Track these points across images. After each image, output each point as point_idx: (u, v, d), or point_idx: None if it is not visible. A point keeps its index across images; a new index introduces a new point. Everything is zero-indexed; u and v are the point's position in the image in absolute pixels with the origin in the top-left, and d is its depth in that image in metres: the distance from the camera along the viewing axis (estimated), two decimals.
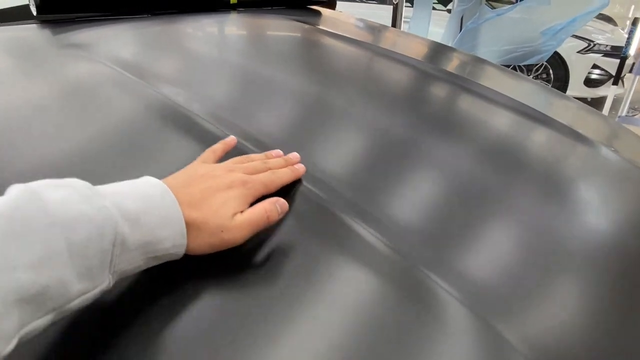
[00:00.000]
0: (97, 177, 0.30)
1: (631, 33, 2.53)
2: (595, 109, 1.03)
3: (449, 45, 3.19)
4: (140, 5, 1.01)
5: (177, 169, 0.37)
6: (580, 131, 0.72)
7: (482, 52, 2.97)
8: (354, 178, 0.47)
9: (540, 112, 0.75)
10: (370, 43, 1.08)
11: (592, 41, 4.05)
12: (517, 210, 0.48)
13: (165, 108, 0.54)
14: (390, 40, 1.28)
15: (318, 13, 1.42)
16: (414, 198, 0.47)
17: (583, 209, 0.53)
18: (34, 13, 0.87)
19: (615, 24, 5.43)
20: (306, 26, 1.15)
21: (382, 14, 3.92)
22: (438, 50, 1.26)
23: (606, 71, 4.00)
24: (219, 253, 0.33)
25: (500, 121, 0.75)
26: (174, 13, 1.06)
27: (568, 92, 4.11)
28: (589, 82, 4.09)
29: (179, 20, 1.00)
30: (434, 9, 3.52)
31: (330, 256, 0.36)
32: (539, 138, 0.72)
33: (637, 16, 2.58)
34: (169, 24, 0.97)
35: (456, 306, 0.33)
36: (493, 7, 3.59)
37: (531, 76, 4.31)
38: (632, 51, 3.08)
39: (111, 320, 0.30)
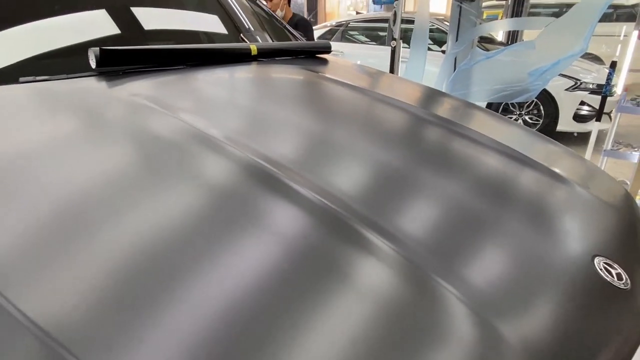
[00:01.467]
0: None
1: (610, 74, 2.75)
2: (571, 150, 1.19)
3: (444, 83, 3.43)
4: (179, 59, 1.20)
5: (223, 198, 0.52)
6: (554, 169, 0.88)
7: (475, 91, 3.19)
8: (369, 200, 0.62)
9: (519, 152, 0.92)
10: (368, 89, 1.27)
11: (579, 80, 4.31)
12: (504, 229, 0.63)
13: (206, 141, 0.71)
14: (386, 86, 1.47)
15: (325, 61, 1.62)
16: (419, 217, 0.62)
17: (556, 230, 0.68)
18: (93, 66, 1.05)
19: (602, 63, 5.75)
20: (315, 74, 1.34)
21: (382, 54, 4.21)
22: (431, 96, 1.45)
23: (594, 107, 4.23)
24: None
25: (485, 158, 0.92)
26: (206, 65, 1.25)
27: (558, 127, 4.33)
28: (578, 118, 4.31)
29: (211, 70, 1.19)
30: (429, 49, 3.77)
31: (350, 262, 0.50)
32: (518, 173, 0.88)
33: (615, 59, 2.81)
34: (204, 73, 1.16)
35: (460, 307, 0.46)
36: (486, 49, 3.86)
37: (523, 111, 4.55)
38: (619, 90, 3.28)
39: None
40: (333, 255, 0.50)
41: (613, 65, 2.75)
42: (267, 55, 1.43)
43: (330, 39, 5.80)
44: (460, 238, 0.59)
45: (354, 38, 5.77)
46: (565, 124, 4.30)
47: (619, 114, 2.96)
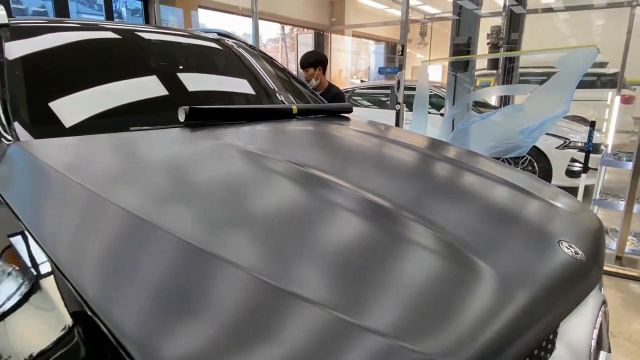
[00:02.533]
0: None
1: (590, 132, 3.13)
2: (546, 182, 1.51)
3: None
4: (242, 115, 1.55)
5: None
6: (529, 189, 1.19)
7: (471, 148, 3.56)
8: (412, 201, 0.93)
9: (509, 181, 1.24)
10: (391, 137, 1.61)
11: (568, 139, 4.73)
12: (502, 227, 0.93)
13: (279, 167, 1.02)
14: (398, 135, 1.82)
15: (348, 119, 1.99)
16: (450, 217, 0.92)
17: (538, 226, 0.97)
18: (182, 120, 1.39)
19: (592, 124, 6.23)
20: (343, 126, 1.69)
21: (384, 116, 4.70)
22: (437, 143, 1.80)
23: (581, 162, 4.60)
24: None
25: (486, 186, 1.23)
26: (260, 120, 1.60)
27: (552, 182, 4.68)
28: (570, 174, 4.66)
29: (268, 124, 1.54)
30: (429, 113, 4.23)
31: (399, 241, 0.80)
32: (512, 195, 1.19)
33: (593, 119, 3.21)
34: (262, 125, 1.50)
35: (484, 268, 0.75)
36: (480, 112, 4.32)
37: (518, 168, 4.92)
38: (609, 149, 3.65)
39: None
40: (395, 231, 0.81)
41: (592, 124, 3.15)
42: (303, 114, 1.79)
43: None
44: (476, 228, 0.89)
45: (359, 103, 6.34)
46: (559, 179, 4.64)
47: (604, 167, 3.31)
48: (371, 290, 0.67)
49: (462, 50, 4.25)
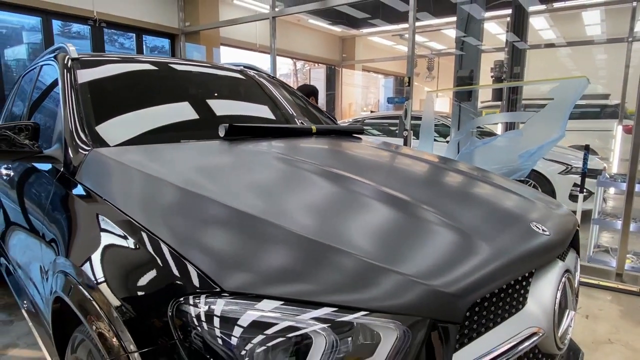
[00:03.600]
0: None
1: (585, 155, 3.36)
2: (539, 191, 1.75)
3: None
4: (269, 133, 1.83)
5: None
6: (516, 190, 1.43)
7: None
8: (424, 195, 1.18)
9: (504, 182, 1.48)
10: (393, 149, 1.88)
11: (570, 165, 4.93)
12: (491, 213, 1.17)
13: (321, 173, 1.28)
14: (404, 149, 2.08)
15: (360, 138, 2.27)
16: (456, 207, 1.16)
17: (517, 212, 1.21)
18: (221, 135, 1.67)
19: (594, 152, 6.45)
20: (357, 142, 1.96)
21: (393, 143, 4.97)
22: (437, 157, 2.06)
23: (587, 189, 4.79)
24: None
25: (478, 183, 1.48)
26: (283, 137, 1.87)
27: None
28: (573, 198, 4.84)
29: (292, 139, 1.81)
30: (436, 141, 4.50)
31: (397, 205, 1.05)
32: (492, 190, 1.43)
33: (588, 143, 3.44)
34: (287, 140, 1.78)
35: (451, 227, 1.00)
36: (481, 137, 4.58)
37: None
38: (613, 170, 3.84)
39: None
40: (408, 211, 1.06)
41: (587, 148, 3.38)
42: (321, 133, 2.07)
43: None
44: (469, 213, 1.13)
45: (369, 132, 6.65)
46: (562, 202, 4.83)
47: (601, 188, 3.51)
48: (381, 242, 0.91)
49: (465, 82, 4.57)
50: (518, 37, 6.16)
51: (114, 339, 0.86)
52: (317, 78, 10.15)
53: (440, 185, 1.43)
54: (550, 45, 9.03)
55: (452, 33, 7.57)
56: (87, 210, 1.21)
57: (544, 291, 1.03)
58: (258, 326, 0.74)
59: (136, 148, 1.48)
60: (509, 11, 6.41)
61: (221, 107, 2.09)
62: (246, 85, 2.48)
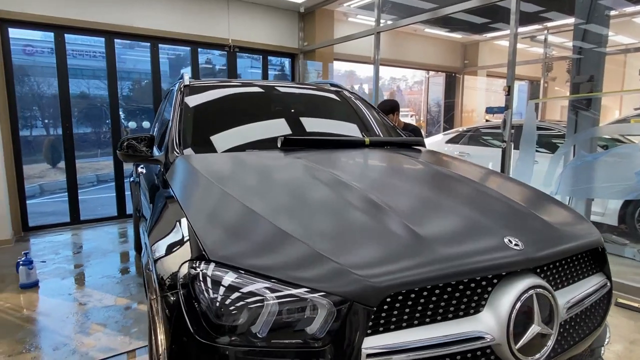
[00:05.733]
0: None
1: None
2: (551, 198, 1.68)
3: (551, 180, 3.73)
4: (323, 144, 2.11)
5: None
6: (513, 197, 1.45)
7: (582, 188, 3.41)
8: (399, 205, 1.35)
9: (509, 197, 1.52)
10: (431, 162, 1.97)
11: None
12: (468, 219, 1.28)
13: (320, 174, 1.53)
14: (445, 163, 2.13)
15: (418, 150, 2.37)
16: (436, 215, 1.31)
17: (493, 224, 1.28)
18: (279, 145, 2.02)
19: None
20: (396, 153, 2.10)
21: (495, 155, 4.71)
22: (479, 171, 2.08)
23: None
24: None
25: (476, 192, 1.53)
26: (338, 148, 2.13)
27: None
28: None
29: (342, 151, 2.07)
30: (537, 151, 4.14)
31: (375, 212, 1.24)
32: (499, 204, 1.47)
33: None
34: (337, 152, 2.04)
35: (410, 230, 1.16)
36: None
37: None
38: None
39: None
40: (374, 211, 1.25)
41: None
42: (374, 145, 2.26)
43: (458, 142, 6.51)
44: (441, 220, 1.26)
45: (481, 141, 6.33)
46: None
47: None
48: (338, 239, 1.14)
49: (583, 89, 4.07)
50: None
51: (152, 286, 1.25)
52: (436, 83, 9.95)
53: (431, 194, 1.55)
54: None
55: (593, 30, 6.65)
56: (163, 199, 1.67)
57: (502, 302, 1.09)
58: (228, 287, 1.03)
59: (205, 155, 1.93)
60: None
61: (292, 121, 2.46)
62: (322, 102, 2.81)
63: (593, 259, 1.43)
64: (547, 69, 9.54)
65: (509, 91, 3.95)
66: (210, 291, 1.03)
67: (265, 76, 6.63)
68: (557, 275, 1.27)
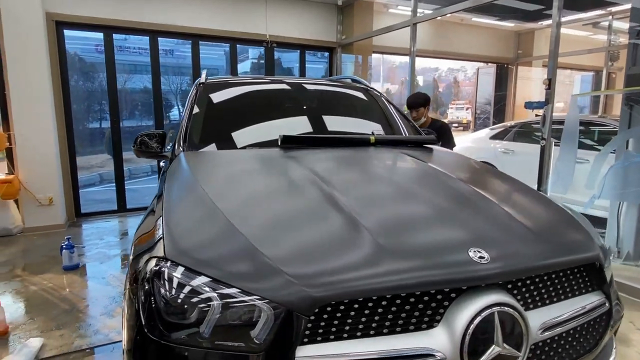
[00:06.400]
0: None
1: None
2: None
3: (595, 181, 3.40)
4: (321, 142, 2.09)
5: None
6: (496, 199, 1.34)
7: (629, 192, 3.07)
8: (357, 202, 1.31)
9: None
10: (427, 161, 1.88)
11: None
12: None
13: (297, 171, 1.52)
14: (453, 167, 2.01)
15: (428, 149, 2.26)
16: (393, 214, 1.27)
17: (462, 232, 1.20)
18: (279, 143, 2.01)
19: None
20: (404, 157, 2.01)
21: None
22: (472, 168, 1.95)
23: None
24: None
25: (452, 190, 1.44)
26: (339, 146, 2.09)
27: None
28: None
29: (340, 149, 2.03)
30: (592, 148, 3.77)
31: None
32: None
33: None
34: (333, 150, 2.00)
35: (366, 233, 1.12)
36: None
37: None
38: None
39: None
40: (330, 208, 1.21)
41: None
42: (380, 143, 2.18)
43: (502, 138, 6.13)
44: (407, 228, 1.20)
45: (529, 137, 5.91)
46: None
47: None
48: (292, 249, 1.12)
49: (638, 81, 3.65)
50: None
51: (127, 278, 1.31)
52: (487, 73, 9.42)
53: (407, 199, 1.47)
54: None
55: None
56: (155, 196, 1.74)
57: (457, 318, 1.02)
58: (178, 285, 1.05)
59: (203, 152, 1.97)
60: None
61: (301, 118, 2.44)
62: (337, 98, 2.77)
63: (589, 276, 1.29)
64: (611, 58, 8.68)
65: (549, 84, 3.65)
66: (162, 289, 1.06)
67: (302, 70, 6.64)
68: (535, 292, 1.16)
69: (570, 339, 1.21)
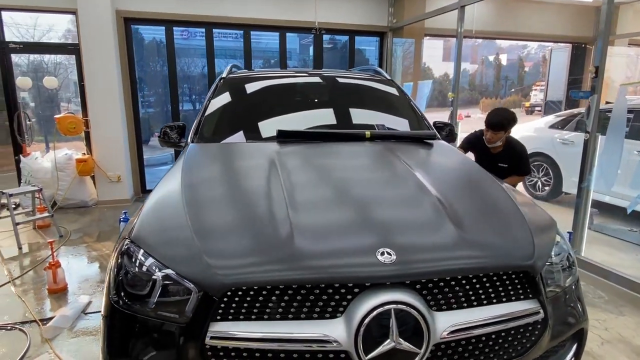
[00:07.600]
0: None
1: None
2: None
3: None
4: (316, 137, 2.20)
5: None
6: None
7: None
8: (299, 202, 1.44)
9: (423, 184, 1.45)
10: (404, 159, 1.92)
11: None
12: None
13: (267, 161, 1.68)
14: (429, 162, 2.02)
15: (428, 145, 2.27)
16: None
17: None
18: (277, 137, 2.17)
19: None
20: (386, 153, 2.06)
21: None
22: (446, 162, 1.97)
23: None
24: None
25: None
26: (333, 141, 2.19)
27: None
28: None
29: (332, 144, 2.14)
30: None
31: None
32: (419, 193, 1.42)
33: None
34: (325, 145, 2.11)
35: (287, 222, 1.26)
36: None
37: None
38: None
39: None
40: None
41: None
42: (376, 138, 2.24)
43: (563, 128, 5.66)
44: (330, 224, 1.31)
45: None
46: None
47: None
48: (226, 238, 1.29)
49: None
50: None
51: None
52: (561, 56, 8.58)
53: (350, 194, 1.56)
54: None
55: None
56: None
57: (355, 312, 1.12)
58: (138, 264, 1.28)
59: (205, 145, 2.20)
60: None
61: (312, 112, 2.57)
62: (366, 89, 2.84)
63: (524, 284, 1.28)
64: None
65: (596, 72, 3.33)
66: (125, 266, 1.30)
67: (351, 56, 6.64)
68: (451, 294, 1.21)
69: (491, 343, 1.24)
